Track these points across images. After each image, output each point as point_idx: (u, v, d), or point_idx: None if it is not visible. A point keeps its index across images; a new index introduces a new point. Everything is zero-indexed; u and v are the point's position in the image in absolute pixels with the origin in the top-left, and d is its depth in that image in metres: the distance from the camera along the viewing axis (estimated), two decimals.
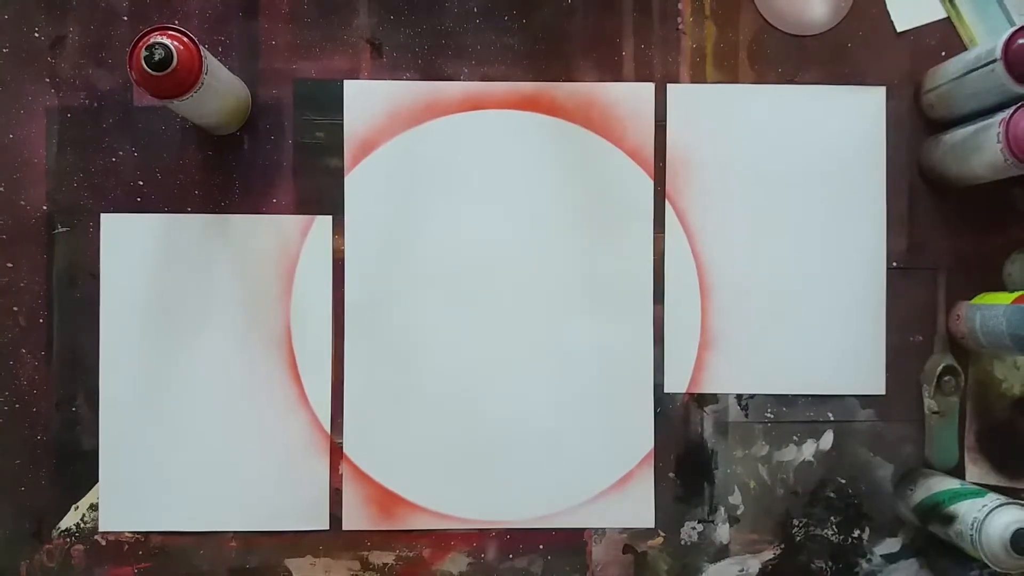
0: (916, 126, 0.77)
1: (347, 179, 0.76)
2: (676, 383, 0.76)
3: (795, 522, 0.76)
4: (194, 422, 0.75)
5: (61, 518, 0.75)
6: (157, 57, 0.63)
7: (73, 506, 0.75)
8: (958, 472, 0.76)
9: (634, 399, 0.76)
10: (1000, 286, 0.77)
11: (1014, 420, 0.77)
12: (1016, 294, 0.71)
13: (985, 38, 0.77)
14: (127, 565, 0.75)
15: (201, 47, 0.65)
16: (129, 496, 0.75)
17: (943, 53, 0.77)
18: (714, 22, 0.77)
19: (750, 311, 0.76)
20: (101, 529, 0.75)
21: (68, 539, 0.75)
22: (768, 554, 0.77)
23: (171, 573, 0.75)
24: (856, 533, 0.77)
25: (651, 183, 0.77)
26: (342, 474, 0.76)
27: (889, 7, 0.77)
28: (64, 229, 0.76)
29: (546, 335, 0.76)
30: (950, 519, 0.70)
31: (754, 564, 0.76)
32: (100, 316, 0.75)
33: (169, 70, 0.64)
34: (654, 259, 0.76)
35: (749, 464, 0.76)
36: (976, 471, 0.77)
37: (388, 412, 0.76)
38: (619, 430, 0.76)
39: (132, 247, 0.75)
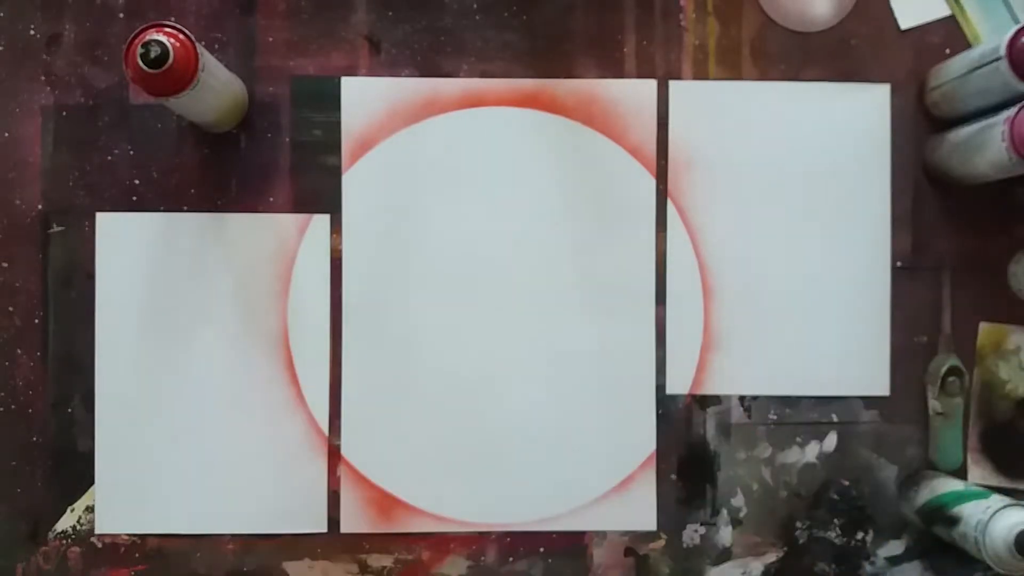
0: (920, 124, 0.77)
1: (345, 177, 0.76)
2: (678, 384, 0.76)
3: (798, 524, 0.76)
4: (191, 423, 0.75)
5: (57, 520, 0.75)
6: (153, 54, 0.63)
7: (69, 508, 0.75)
8: (962, 474, 0.76)
9: (636, 400, 0.76)
10: (1005, 286, 0.76)
11: (1018, 421, 0.77)
12: None
13: (990, 36, 0.76)
14: (123, 567, 0.75)
15: (197, 44, 0.65)
16: (125, 498, 0.75)
17: (947, 51, 0.77)
18: (717, 19, 0.77)
19: (753, 311, 0.76)
20: (97, 531, 0.75)
21: (64, 541, 0.75)
22: (771, 557, 0.76)
23: (168, 575, 0.75)
24: (860, 535, 0.76)
25: (653, 181, 0.76)
26: (340, 476, 0.75)
27: (893, 4, 0.77)
28: (59, 228, 0.75)
29: (546, 335, 0.76)
30: (954, 521, 0.70)
31: (757, 567, 0.76)
32: (96, 316, 0.75)
33: (165, 67, 0.63)
34: (656, 258, 0.76)
35: (752, 466, 0.76)
36: (979, 472, 0.76)
37: (386, 414, 0.75)
38: (620, 432, 0.76)
39: (128, 246, 0.75)
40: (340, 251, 0.76)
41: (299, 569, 0.75)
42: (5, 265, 0.75)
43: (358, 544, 0.75)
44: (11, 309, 0.75)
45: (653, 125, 0.76)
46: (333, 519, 0.75)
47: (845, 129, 0.76)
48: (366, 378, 0.75)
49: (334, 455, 0.75)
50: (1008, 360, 0.77)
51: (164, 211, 0.75)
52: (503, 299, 0.76)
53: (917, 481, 0.75)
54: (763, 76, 0.77)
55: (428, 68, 0.76)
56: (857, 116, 0.76)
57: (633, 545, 0.76)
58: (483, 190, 0.76)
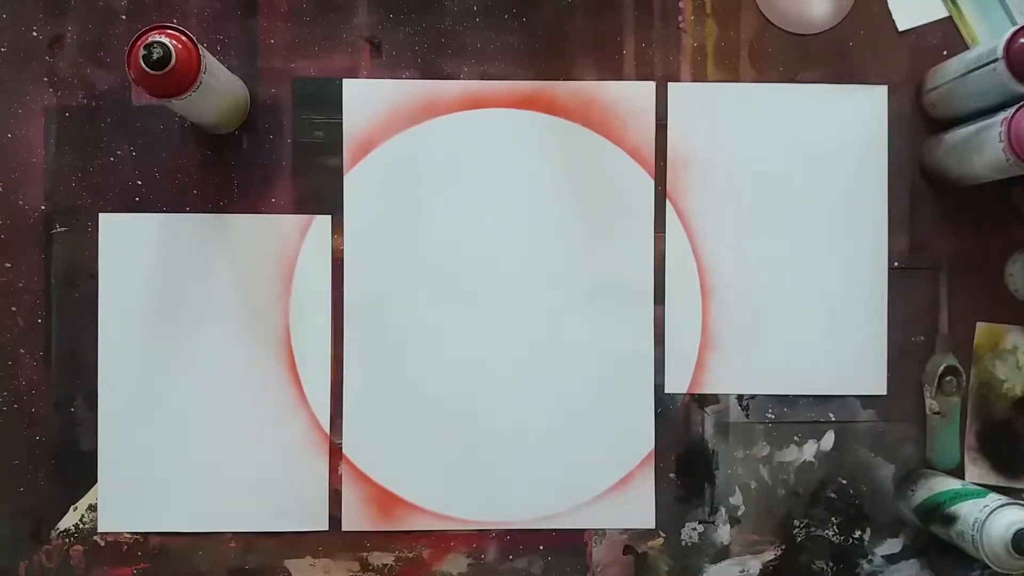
0: (918, 125, 0.77)
1: (346, 178, 0.76)
2: (677, 383, 0.76)
3: (796, 523, 0.76)
4: (193, 422, 0.75)
5: (60, 519, 0.75)
6: (155, 56, 0.63)
7: (72, 507, 0.75)
8: (959, 473, 0.76)
9: (635, 399, 0.76)
10: (1002, 286, 0.77)
11: (1015, 420, 0.77)
12: None
13: (987, 37, 0.77)
14: (126, 566, 0.75)
15: (199, 46, 0.65)
16: (128, 497, 0.75)
17: (945, 52, 0.77)
18: (715, 20, 0.77)
19: (751, 311, 0.76)
20: (100, 530, 0.75)
21: (67, 540, 0.75)
22: (769, 555, 0.76)
23: (170, 574, 0.75)
24: (857, 534, 0.76)
25: (652, 182, 0.77)
26: (341, 475, 0.75)
27: (891, 6, 0.77)
28: (62, 229, 0.76)
29: (546, 335, 0.76)
30: (951, 520, 0.70)
31: (755, 565, 0.76)
32: (99, 316, 0.75)
33: (167, 69, 0.64)
34: (655, 259, 0.76)
35: (750, 464, 0.76)
36: (976, 471, 0.77)
37: (387, 412, 0.76)
38: (620, 430, 0.76)
39: (131, 247, 0.75)
40: (341, 252, 0.76)
41: (301, 567, 0.75)
42: (8, 265, 0.75)
43: (359, 542, 0.76)
44: (14, 309, 0.75)
45: (652, 126, 0.77)
46: (334, 517, 0.75)
47: (843, 130, 0.77)
48: (367, 377, 0.76)
49: (335, 454, 0.75)
50: (1005, 360, 0.77)
51: (166, 212, 0.76)
52: (503, 299, 0.76)
53: (914, 480, 0.75)
54: (761, 78, 0.77)
55: (429, 70, 0.76)
56: (855, 117, 0.77)
57: (632, 543, 0.76)
58: (483, 191, 0.76)
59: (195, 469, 0.75)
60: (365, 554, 0.76)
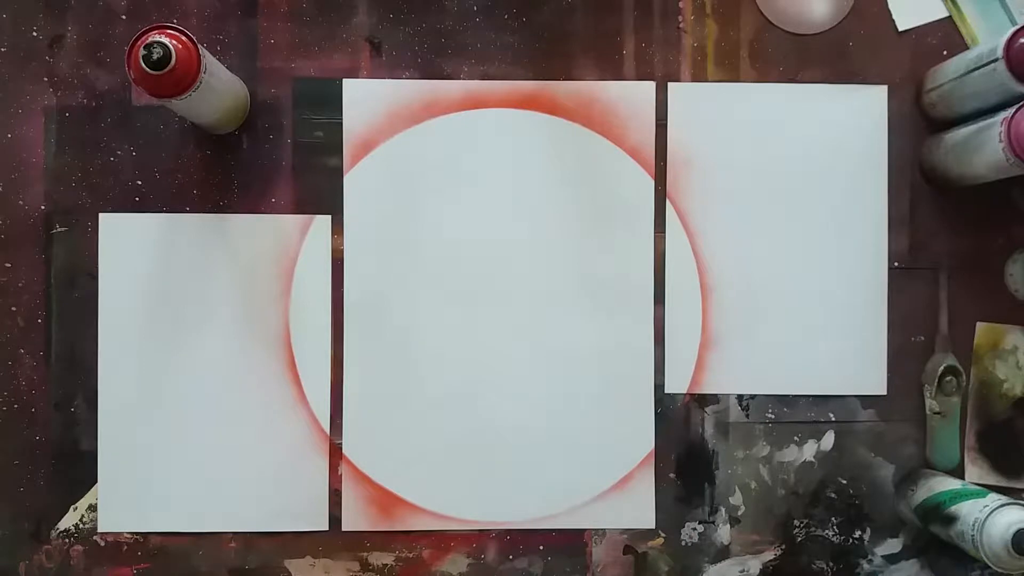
0: (917, 125, 0.77)
1: (346, 178, 0.76)
2: (677, 383, 0.76)
3: (796, 523, 0.76)
4: (193, 422, 0.75)
5: (60, 519, 0.75)
6: (155, 56, 0.63)
7: (72, 507, 0.75)
8: (959, 473, 0.76)
9: (634, 399, 0.76)
10: (1002, 286, 0.77)
11: (1015, 420, 0.77)
12: None
13: (987, 37, 0.77)
14: (126, 566, 0.75)
15: (200, 46, 0.65)
16: (128, 497, 0.75)
17: (944, 52, 0.77)
18: (715, 20, 0.77)
19: (751, 311, 0.76)
20: (100, 530, 0.75)
21: (67, 540, 0.75)
22: (769, 555, 0.76)
23: (170, 574, 0.75)
24: (857, 534, 0.76)
25: (652, 182, 0.77)
26: (341, 475, 0.75)
27: (891, 6, 0.77)
28: (62, 229, 0.76)
29: (546, 335, 0.76)
30: (951, 520, 0.70)
31: (755, 565, 0.76)
32: (99, 316, 0.75)
33: (167, 69, 0.64)
34: (655, 259, 0.76)
35: (750, 464, 0.76)
36: (976, 471, 0.77)
37: (387, 413, 0.76)
38: (619, 430, 0.76)
39: (131, 247, 0.75)
40: (341, 252, 0.76)
41: (301, 567, 0.75)
42: (8, 265, 0.75)
43: (359, 542, 0.76)
44: (14, 309, 0.75)
45: (652, 126, 0.77)
46: (334, 517, 0.75)
47: (843, 130, 0.77)
48: (367, 377, 0.76)
49: (335, 454, 0.75)
50: (1005, 360, 0.77)
51: (166, 212, 0.76)
52: (503, 299, 0.76)
53: (914, 480, 0.75)
54: (761, 78, 0.77)
55: (429, 70, 0.76)
56: (855, 117, 0.77)
57: (632, 543, 0.76)
58: (484, 191, 0.76)
59: (195, 469, 0.75)
60: (365, 554, 0.76)
